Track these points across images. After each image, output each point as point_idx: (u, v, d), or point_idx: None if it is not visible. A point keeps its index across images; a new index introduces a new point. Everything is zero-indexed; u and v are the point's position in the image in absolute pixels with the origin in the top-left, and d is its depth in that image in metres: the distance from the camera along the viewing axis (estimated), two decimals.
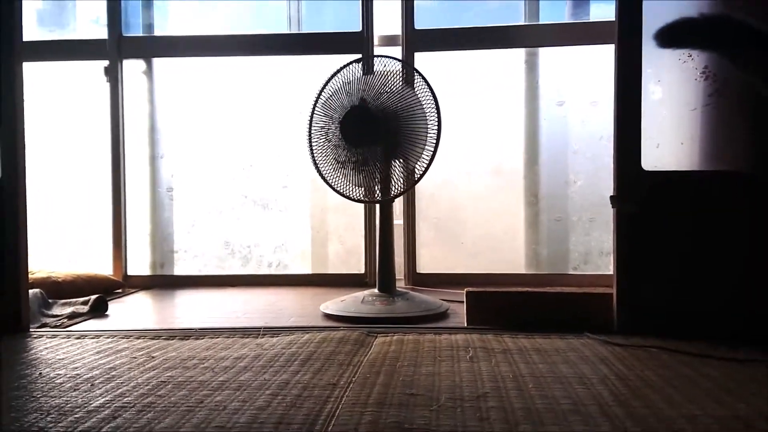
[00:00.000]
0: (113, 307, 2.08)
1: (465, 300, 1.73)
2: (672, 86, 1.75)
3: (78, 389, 1.18)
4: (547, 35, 2.47)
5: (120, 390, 1.17)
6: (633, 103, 1.58)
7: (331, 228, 2.59)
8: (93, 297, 2.00)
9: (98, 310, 1.97)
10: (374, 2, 2.47)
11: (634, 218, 1.59)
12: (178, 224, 2.63)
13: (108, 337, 1.60)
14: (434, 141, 1.87)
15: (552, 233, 2.47)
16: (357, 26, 2.47)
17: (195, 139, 2.62)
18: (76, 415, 1.04)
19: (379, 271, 2.02)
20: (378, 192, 1.96)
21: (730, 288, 1.56)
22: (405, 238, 2.48)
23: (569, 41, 2.44)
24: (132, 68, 2.62)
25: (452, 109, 2.42)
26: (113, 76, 2.57)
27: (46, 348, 1.51)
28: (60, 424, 1.00)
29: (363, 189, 1.94)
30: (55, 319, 1.85)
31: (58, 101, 2.66)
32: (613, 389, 1.14)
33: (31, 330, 1.71)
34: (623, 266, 1.61)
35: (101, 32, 2.60)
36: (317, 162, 1.97)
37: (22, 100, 1.70)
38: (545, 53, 2.47)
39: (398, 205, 2.45)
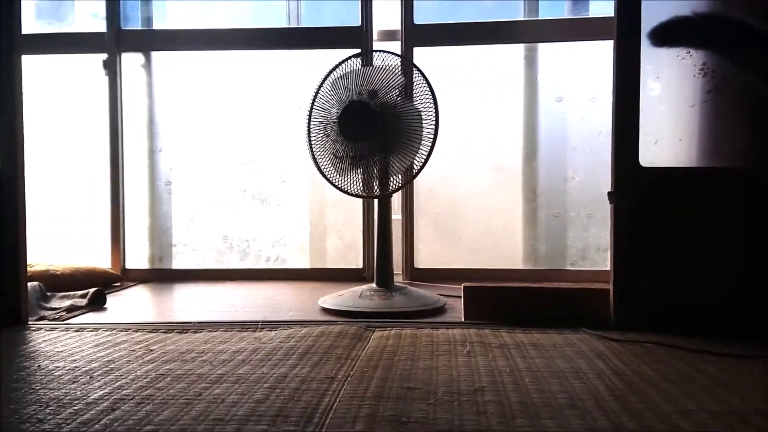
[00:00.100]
0: (111, 300, 2.09)
1: (462, 295, 1.73)
2: (670, 82, 1.75)
3: (77, 381, 1.18)
4: (546, 31, 2.47)
5: (119, 382, 1.17)
6: (631, 99, 1.58)
7: (330, 223, 2.59)
8: (91, 290, 2.01)
9: (96, 304, 1.97)
10: None
11: (632, 214, 1.60)
12: (176, 218, 2.63)
13: (106, 330, 1.61)
14: (432, 136, 1.87)
15: (550, 229, 2.47)
16: (356, 21, 2.47)
17: (194, 133, 2.62)
18: (75, 407, 1.04)
19: (377, 266, 2.02)
20: (376, 187, 1.97)
21: (728, 284, 1.57)
22: (403, 233, 2.48)
23: (568, 37, 2.44)
24: (131, 62, 2.62)
25: (451, 104, 2.43)
26: (112, 69, 2.57)
27: (45, 341, 1.51)
28: (59, 416, 1.00)
29: (361, 184, 1.95)
30: (53, 312, 1.85)
31: (57, 95, 2.65)
32: (610, 384, 1.15)
33: (29, 323, 1.71)
34: (620, 262, 1.61)
35: (100, 25, 2.60)
36: (316, 157, 1.97)
37: (21, 93, 1.70)
38: (544, 49, 2.47)
39: (397, 200, 2.45)
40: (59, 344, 1.47)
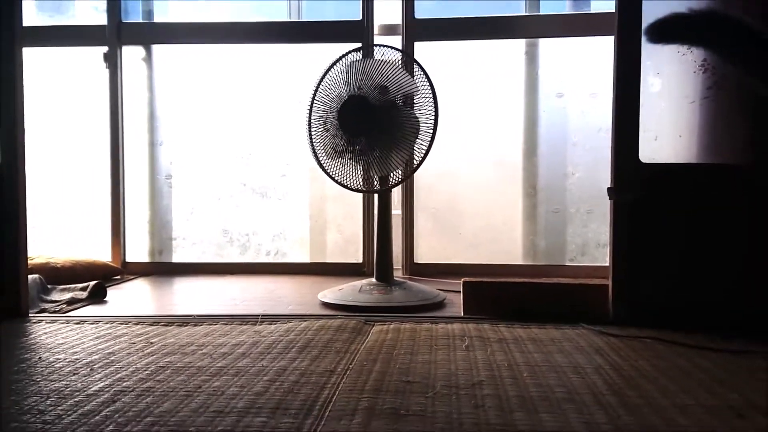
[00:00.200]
0: (112, 293, 2.09)
1: (462, 290, 1.74)
2: (671, 78, 1.75)
3: (77, 373, 1.19)
4: (547, 26, 2.47)
5: (119, 375, 1.18)
6: (631, 95, 1.58)
7: (330, 217, 2.59)
8: (92, 283, 2.01)
9: (97, 296, 1.98)
10: None
11: (631, 210, 1.60)
12: (176, 211, 2.63)
13: (107, 323, 1.61)
14: (431, 131, 1.87)
15: (550, 225, 2.48)
16: (357, 15, 2.46)
17: (194, 126, 2.62)
18: (75, 399, 1.05)
19: (376, 261, 2.03)
20: (376, 181, 1.97)
21: (727, 280, 1.57)
22: (403, 228, 2.49)
23: (570, 32, 2.44)
24: (131, 55, 2.61)
25: (451, 99, 2.43)
26: (112, 62, 2.57)
27: (46, 333, 1.52)
28: (60, 407, 1.01)
29: (361, 178, 1.95)
30: (54, 304, 1.86)
31: (58, 87, 2.65)
32: (608, 379, 1.16)
33: (30, 315, 1.72)
34: (620, 258, 1.62)
35: (101, 18, 2.59)
36: (316, 151, 1.97)
37: (22, 86, 1.70)
38: (545, 44, 2.47)
39: (397, 195, 2.46)
40: (60, 336, 1.48)
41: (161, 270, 2.58)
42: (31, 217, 1.74)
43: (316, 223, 2.60)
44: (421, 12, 2.45)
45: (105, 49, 2.57)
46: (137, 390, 1.09)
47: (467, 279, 1.76)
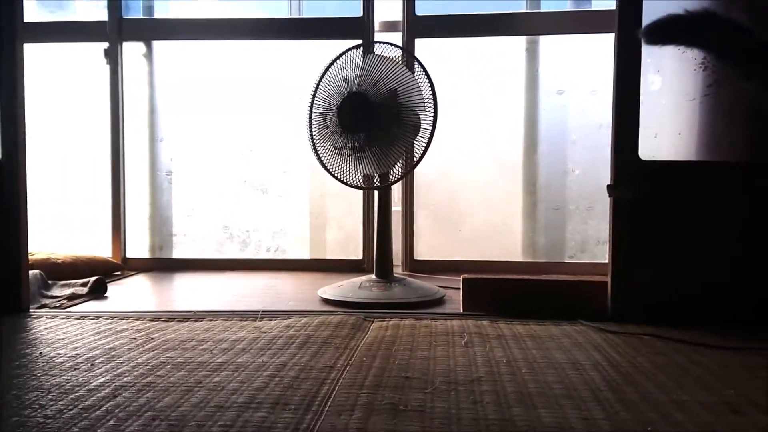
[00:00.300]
0: (112, 289, 2.10)
1: (461, 286, 1.74)
2: (671, 76, 1.76)
3: (78, 368, 1.19)
4: (548, 23, 2.47)
5: (120, 370, 1.18)
6: (631, 92, 1.59)
7: (330, 214, 2.60)
8: (92, 279, 2.02)
9: (97, 292, 1.98)
10: None
11: (631, 207, 1.61)
12: (177, 208, 2.64)
13: (107, 318, 1.62)
14: (430, 128, 1.87)
15: (549, 222, 2.48)
16: (358, 12, 2.47)
17: (195, 123, 2.62)
18: (76, 394, 1.05)
19: (376, 257, 2.03)
20: (376, 178, 1.97)
21: (726, 277, 1.58)
22: (403, 225, 2.49)
23: (570, 29, 2.44)
24: (132, 51, 2.62)
25: (452, 96, 2.43)
26: (113, 58, 2.57)
27: (46, 328, 1.52)
28: (61, 402, 1.01)
29: (361, 175, 1.95)
30: (54, 300, 1.87)
31: (58, 83, 2.65)
32: (605, 375, 1.16)
33: (31, 310, 1.72)
34: (618, 255, 1.62)
35: (101, 14, 2.59)
36: (317, 148, 1.97)
37: (23, 82, 1.70)
38: (546, 41, 2.47)
39: (397, 192, 2.46)
40: (60, 332, 1.48)
41: (161, 266, 2.59)
42: (32, 212, 1.75)
43: (317, 220, 2.60)
44: (422, 9, 2.45)
45: (106, 45, 2.57)
46: (138, 385, 1.10)
47: (467, 276, 1.76)
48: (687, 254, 1.59)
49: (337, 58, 1.95)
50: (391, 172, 1.95)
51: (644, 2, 1.55)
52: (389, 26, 2.53)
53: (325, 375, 1.15)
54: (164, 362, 1.23)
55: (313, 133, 1.98)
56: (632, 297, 1.61)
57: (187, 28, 2.60)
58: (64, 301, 1.85)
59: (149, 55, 2.64)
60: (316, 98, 1.97)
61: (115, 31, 2.57)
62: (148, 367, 1.20)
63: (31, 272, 1.84)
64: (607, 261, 1.66)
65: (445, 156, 2.47)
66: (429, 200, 2.53)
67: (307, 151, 2.02)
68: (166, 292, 2.18)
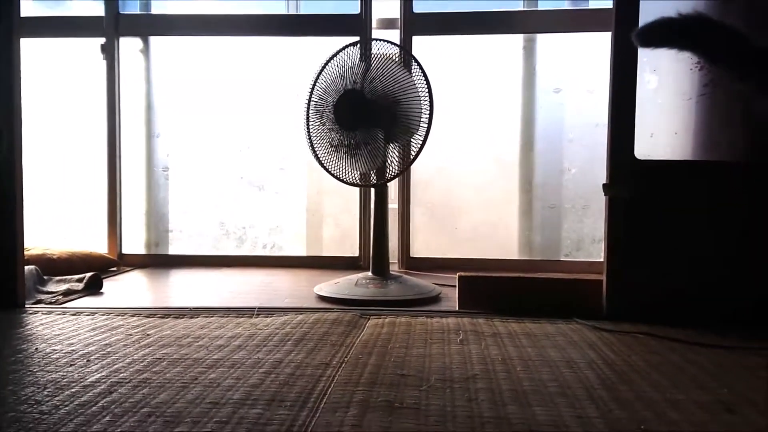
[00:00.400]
0: (108, 285, 2.10)
1: (457, 284, 1.75)
2: (667, 75, 1.76)
3: (74, 364, 1.19)
4: (545, 21, 2.47)
5: (116, 366, 1.18)
6: (628, 91, 1.59)
7: (327, 211, 2.60)
8: (88, 274, 2.02)
9: (93, 288, 1.98)
10: None
11: (626, 206, 1.61)
12: (173, 204, 2.64)
13: (103, 315, 1.62)
14: (426, 125, 1.87)
15: (545, 220, 2.49)
16: (356, 9, 2.46)
17: (191, 119, 2.62)
18: (72, 390, 1.05)
19: (373, 255, 2.04)
20: (373, 175, 1.97)
21: (722, 276, 1.58)
22: (399, 223, 2.49)
23: (567, 28, 2.44)
24: (129, 46, 2.61)
25: (449, 94, 2.43)
26: (110, 53, 2.56)
27: (42, 324, 1.52)
28: (56, 398, 1.01)
29: (357, 173, 1.96)
30: (50, 295, 1.86)
31: (55, 78, 2.64)
32: (600, 373, 1.17)
33: (26, 306, 1.72)
34: (614, 253, 1.63)
35: (98, 9, 2.58)
36: (314, 145, 1.97)
37: (20, 77, 1.69)
38: (543, 39, 2.47)
39: (394, 189, 2.46)
40: (56, 328, 1.48)
41: (157, 262, 2.58)
42: (27, 208, 1.74)
43: (313, 217, 2.60)
44: (420, 6, 2.45)
45: (102, 40, 2.56)
46: (134, 381, 1.10)
47: (463, 273, 1.76)
48: (683, 253, 1.60)
49: (335, 55, 1.95)
50: (388, 170, 1.95)
51: (641, 1, 1.56)
52: (387, 23, 2.52)
53: (321, 372, 1.16)
54: (160, 359, 1.23)
55: (311, 130, 1.98)
56: (627, 296, 1.61)
57: (184, 23, 2.60)
58: (60, 297, 1.84)
59: (146, 50, 2.63)
60: (313, 95, 1.97)
61: (112, 26, 2.56)
62: (143, 363, 1.20)
63: (26, 268, 1.83)
64: (602, 259, 1.66)
65: (441, 154, 2.47)
66: (426, 198, 2.53)
67: (304, 148, 2.02)
68: (162, 289, 2.18)
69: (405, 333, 1.45)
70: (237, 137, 2.60)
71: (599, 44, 2.37)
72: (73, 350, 1.29)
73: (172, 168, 2.63)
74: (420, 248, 2.52)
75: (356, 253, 2.53)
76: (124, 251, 2.60)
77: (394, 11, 2.47)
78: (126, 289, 2.09)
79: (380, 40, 1.94)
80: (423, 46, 2.43)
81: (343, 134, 1.90)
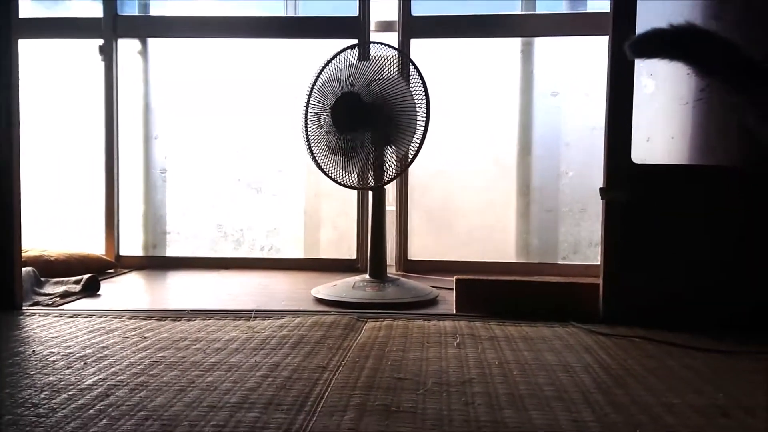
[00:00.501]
0: (105, 287, 2.10)
1: (454, 287, 1.75)
2: (664, 80, 1.77)
3: (71, 367, 1.19)
4: (543, 25, 2.48)
5: (113, 369, 1.18)
6: (625, 95, 1.60)
7: (324, 213, 2.60)
8: (85, 276, 2.02)
9: (90, 290, 1.98)
10: None
11: (623, 210, 1.62)
12: (170, 206, 2.64)
13: (100, 317, 1.62)
14: (423, 128, 1.87)
15: (543, 223, 2.49)
16: (354, 11, 2.47)
17: (189, 121, 2.62)
18: (69, 392, 1.05)
19: (370, 257, 2.04)
20: (371, 178, 1.98)
21: (717, 279, 1.59)
22: (397, 225, 2.50)
23: (565, 32, 2.45)
24: (127, 48, 2.61)
25: (447, 98, 2.44)
26: (108, 55, 2.56)
27: (39, 326, 1.52)
28: (54, 401, 1.01)
29: (355, 175, 1.96)
30: (47, 297, 1.86)
31: (53, 79, 2.64)
32: (596, 377, 1.17)
33: (23, 308, 1.72)
34: (611, 257, 1.63)
35: (97, 10, 2.58)
36: (312, 148, 1.98)
37: (18, 78, 1.69)
38: (541, 43, 2.48)
39: (391, 192, 2.46)
40: (53, 330, 1.48)
41: (155, 264, 2.58)
42: (25, 209, 1.74)
43: (311, 219, 2.61)
44: (418, 9, 2.46)
45: (101, 41, 2.56)
46: (131, 384, 1.10)
47: (460, 276, 1.77)
48: (679, 258, 1.60)
49: (333, 58, 1.96)
50: (386, 172, 1.96)
51: (638, 5, 1.57)
52: (385, 26, 2.53)
53: (318, 375, 1.16)
54: (157, 362, 1.23)
55: (309, 133, 1.98)
56: (624, 299, 1.62)
57: (182, 25, 2.60)
58: (57, 299, 1.84)
59: (144, 52, 2.63)
60: (311, 98, 1.97)
61: (110, 27, 2.56)
62: (141, 366, 1.20)
63: (24, 269, 1.83)
64: (599, 263, 1.67)
65: (439, 157, 2.48)
66: (423, 201, 2.54)
67: (302, 150, 2.02)
68: (159, 291, 2.18)
69: (402, 336, 1.45)
70: (235, 139, 2.61)
71: (597, 48, 2.38)
72: (70, 353, 1.29)
73: (170, 170, 2.63)
74: (417, 251, 2.53)
75: (354, 256, 2.54)
76: (121, 253, 2.60)
77: (393, 14, 2.48)
78: (123, 291, 2.09)
79: (378, 43, 1.95)
80: (421, 48, 2.44)
81: (340, 137, 1.90)
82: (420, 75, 1.88)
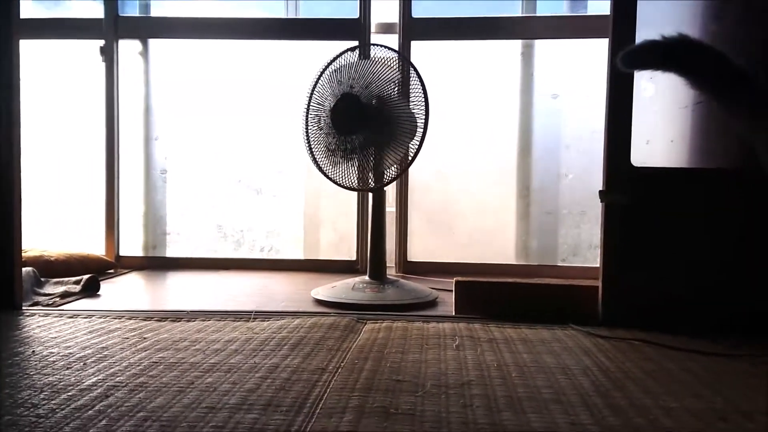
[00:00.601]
0: (105, 287, 2.10)
1: (454, 289, 1.75)
2: (664, 84, 1.77)
3: (71, 368, 1.20)
4: (543, 27, 2.48)
5: (112, 369, 1.19)
6: (624, 99, 1.60)
7: (324, 214, 2.60)
8: (85, 277, 2.02)
9: (90, 290, 1.98)
10: None
11: (622, 212, 1.62)
12: (171, 206, 2.64)
13: (100, 317, 1.62)
14: (422, 130, 1.88)
15: (542, 225, 2.50)
16: (355, 13, 2.47)
17: (190, 122, 2.62)
18: (68, 393, 1.06)
19: (370, 259, 2.04)
20: (371, 180, 1.98)
21: (716, 282, 1.59)
22: (397, 227, 2.50)
23: (565, 34, 2.45)
24: (128, 49, 2.61)
25: (447, 99, 2.44)
26: (109, 56, 2.57)
27: (39, 326, 1.52)
28: (53, 401, 1.02)
29: (354, 177, 1.96)
30: (47, 297, 1.86)
31: (54, 80, 2.65)
32: (595, 380, 1.17)
33: (23, 308, 1.72)
34: (610, 260, 1.63)
35: (98, 11, 2.59)
36: (312, 149, 1.98)
37: (19, 79, 1.70)
38: (541, 45, 2.49)
39: (391, 193, 2.47)
40: (53, 330, 1.48)
41: (155, 264, 2.59)
42: (25, 209, 1.75)
43: (311, 220, 2.61)
44: (419, 11, 2.46)
45: (102, 42, 2.57)
46: (130, 385, 1.10)
47: (459, 278, 1.77)
48: (679, 260, 1.61)
49: (333, 60, 1.96)
50: (385, 174, 1.96)
51: (638, 8, 1.57)
52: (386, 28, 2.53)
53: (317, 377, 1.16)
54: (156, 362, 1.24)
55: (309, 135, 1.98)
56: (623, 302, 1.62)
57: (183, 26, 2.60)
58: (57, 299, 1.85)
59: (145, 53, 2.64)
60: (312, 99, 1.97)
61: (111, 28, 2.56)
62: (140, 367, 1.21)
63: (24, 269, 1.83)
64: (598, 265, 1.67)
65: (439, 159, 2.48)
66: (423, 202, 2.54)
67: (302, 151, 2.02)
68: (159, 291, 2.18)
69: (401, 338, 1.46)
70: (235, 140, 2.61)
71: (597, 51, 2.38)
72: (70, 353, 1.29)
73: (171, 171, 2.63)
74: (417, 252, 2.53)
75: (353, 257, 2.54)
76: (121, 253, 2.60)
77: (393, 16, 2.48)
78: (123, 292, 2.09)
79: (377, 45, 1.95)
80: (422, 51, 2.44)
81: (340, 139, 1.90)
82: (419, 77, 1.89)
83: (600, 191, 1.63)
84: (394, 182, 2.12)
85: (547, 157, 2.48)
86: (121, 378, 1.14)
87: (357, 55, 1.96)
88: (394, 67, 1.92)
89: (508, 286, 1.75)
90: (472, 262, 2.48)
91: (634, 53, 0.79)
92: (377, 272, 2.01)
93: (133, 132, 2.62)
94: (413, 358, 1.30)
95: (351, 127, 1.87)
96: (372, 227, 2.04)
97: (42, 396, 1.04)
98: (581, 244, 2.46)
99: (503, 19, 2.50)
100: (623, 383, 1.16)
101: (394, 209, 2.49)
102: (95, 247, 2.56)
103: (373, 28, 2.50)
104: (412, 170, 2.38)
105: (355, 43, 2.33)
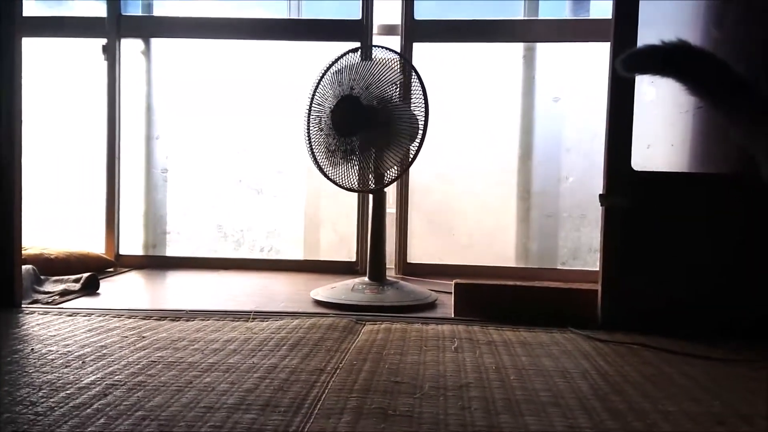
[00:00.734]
0: (105, 285, 2.10)
1: (453, 291, 1.75)
2: (665, 88, 1.77)
3: (69, 366, 1.20)
4: (545, 31, 2.48)
5: (111, 368, 1.19)
6: (625, 103, 1.60)
7: (325, 215, 2.60)
8: (85, 275, 2.02)
9: (90, 288, 1.99)
10: None
11: (623, 216, 1.62)
12: (171, 206, 2.64)
13: (99, 316, 1.62)
14: (422, 132, 1.88)
15: (542, 228, 2.50)
16: (357, 14, 2.47)
17: (191, 121, 2.63)
18: (67, 391, 1.06)
19: (370, 260, 2.04)
20: (371, 181, 1.98)
21: (716, 286, 1.59)
22: (397, 228, 2.50)
23: (567, 38, 2.45)
24: (130, 47, 2.62)
25: (449, 101, 2.44)
26: (111, 54, 2.57)
27: (38, 324, 1.53)
28: (52, 399, 1.02)
29: (355, 178, 1.96)
30: (46, 295, 1.86)
31: (55, 78, 2.65)
32: (593, 384, 1.17)
33: (23, 306, 1.72)
34: (609, 263, 1.63)
35: (100, 10, 2.59)
36: (313, 150, 1.98)
37: (21, 76, 1.70)
38: (543, 49, 2.49)
39: (392, 195, 2.47)
40: (52, 328, 1.48)
41: (155, 263, 2.59)
42: (25, 207, 1.75)
43: (311, 221, 2.61)
44: (421, 13, 2.46)
45: (104, 41, 2.57)
46: (128, 384, 1.10)
47: (459, 280, 1.77)
48: (678, 264, 1.61)
49: (335, 61, 1.96)
50: (385, 175, 1.96)
51: (640, 11, 1.57)
52: (388, 29, 2.53)
53: (316, 378, 1.16)
54: (155, 361, 1.24)
55: (310, 135, 1.98)
56: (622, 305, 1.62)
57: (185, 26, 2.60)
58: (57, 297, 1.85)
59: (147, 52, 2.64)
60: (313, 100, 1.98)
61: (114, 27, 2.57)
62: (139, 366, 1.21)
63: (23, 267, 1.83)
64: (598, 269, 1.67)
65: (440, 160, 2.48)
66: (424, 204, 2.54)
67: (303, 152, 2.02)
68: (158, 290, 2.18)
69: (400, 339, 1.46)
70: (236, 140, 2.61)
71: (598, 54, 2.38)
72: (69, 351, 1.29)
73: (171, 170, 2.63)
74: (417, 254, 2.53)
75: (353, 258, 2.54)
76: (121, 252, 2.60)
77: (396, 18, 2.48)
78: (122, 291, 2.09)
79: (378, 46, 1.95)
80: (423, 53, 2.44)
81: (340, 140, 1.90)
82: (419, 78, 1.89)
83: (600, 195, 1.63)
84: (395, 184, 2.13)
85: (547, 160, 2.48)
86: (120, 377, 1.14)
87: (358, 57, 1.97)
88: (395, 68, 1.92)
89: (507, 288, 1.75)
90: (472, 265, 2.48)
91: (633, 57, 0.79)
92: (377, 273, 2.01)
93: (134, 131, 2.62)
94: (412, 359, 1.30)
95: (351, 128, 1.88)
96: (372, 228, 2.04)
97: (40, 394, 1.04)
98: (581, 247, 2.46)
99: (505, 21, 2.50)
100: (622, 387, 1.16)
101: (394, 211, 2.49)
102: (95, 245, 2.56)
103: (375, 30, 2.50)
104: (413, 172, 2.38)
105: (357, 44, 2.33)
